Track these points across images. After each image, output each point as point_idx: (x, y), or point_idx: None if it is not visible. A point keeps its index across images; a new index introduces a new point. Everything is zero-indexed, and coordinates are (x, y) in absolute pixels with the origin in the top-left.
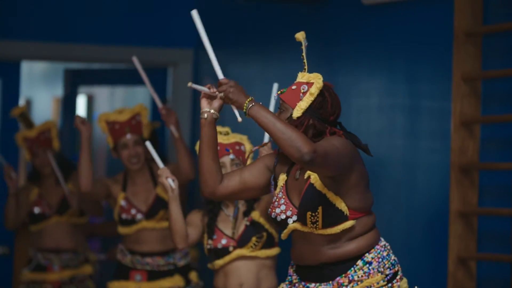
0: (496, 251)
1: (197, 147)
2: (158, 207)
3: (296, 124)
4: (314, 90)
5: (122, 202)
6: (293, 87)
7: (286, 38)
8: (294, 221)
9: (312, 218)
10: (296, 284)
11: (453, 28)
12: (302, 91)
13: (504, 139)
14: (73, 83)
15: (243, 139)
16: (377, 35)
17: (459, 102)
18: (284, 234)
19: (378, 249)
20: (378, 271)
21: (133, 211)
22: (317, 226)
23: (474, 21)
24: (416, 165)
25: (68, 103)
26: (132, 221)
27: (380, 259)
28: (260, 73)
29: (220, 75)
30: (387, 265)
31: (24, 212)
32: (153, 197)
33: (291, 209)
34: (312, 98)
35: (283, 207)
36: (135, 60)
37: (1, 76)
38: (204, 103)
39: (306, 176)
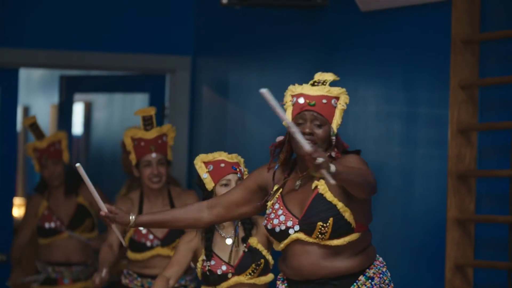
0: (493, 258)
1: (196, 163)
2: (175, 234)
3: (331, 140)
4: (345, 105)
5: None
6: (324, 100)
7: (284, 44)
8: (296, 231)
9: (322, 228)
10: None
11: (450, 35)
12: (334, 105)
13: (501, 146)
14: (69, 89)
15: (241, 161)
16: (375, 42)
17: (456, 109)
18: (283, 245)
19: (377, 264)
20: (380, 287)
21: (150, 237)
22: (324, 237)
23: (471, 28)
24: (413, 172)
25: (64, 110)
26: (147, 247)
27: (381, 275)
28: (258, 80)
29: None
30: (386, 281)
31: (30, 226)
32: None
33: (291, 219)
34: (342, 114)
35: (282, 218)
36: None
37: None
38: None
39: (313, 186)
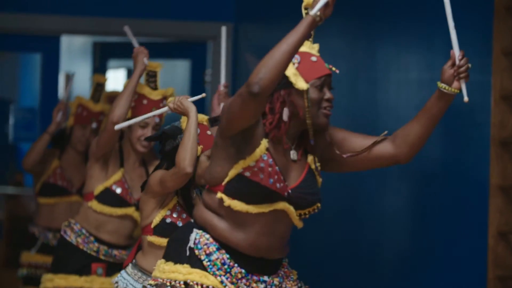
0: None
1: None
2: None
3: None
4: None
5: (123, 179)
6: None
7: None
8: (282, 200)
9: (316, 210)
10: (243, 280)
11: (493, 1)
12: None
13: None
14: (102, 56)
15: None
16: (417, 9)
17: (499, 76)
18: (264, 209)
19: None
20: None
21: (130, 194)
22: (304, 217)
23: None
24: (456, 139)
25: None
26: (124, 203)
27: None
28: None
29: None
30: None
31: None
32: None
33: (282, 184)
34: None
35: (276, 177)
36: (126, 29)
37: (41, 50)
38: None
39: (309, 159)
